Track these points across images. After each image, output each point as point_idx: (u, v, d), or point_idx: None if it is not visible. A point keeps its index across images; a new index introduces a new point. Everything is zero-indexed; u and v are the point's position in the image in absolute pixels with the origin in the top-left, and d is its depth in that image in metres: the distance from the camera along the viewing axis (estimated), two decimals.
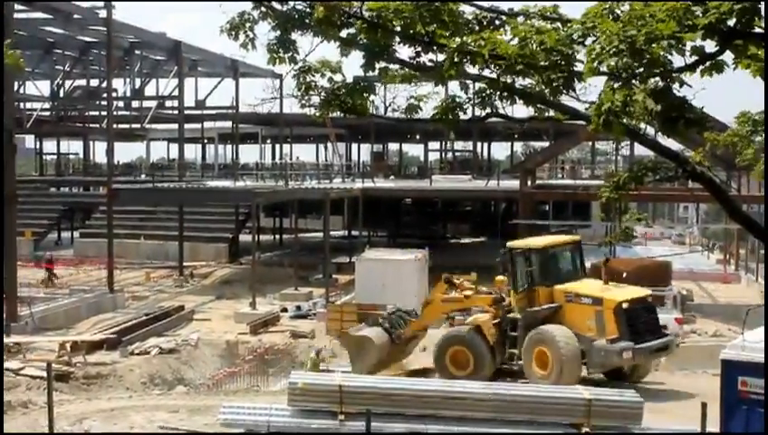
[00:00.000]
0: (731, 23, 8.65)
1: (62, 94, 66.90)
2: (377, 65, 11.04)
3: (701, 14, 8.72)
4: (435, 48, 10.51)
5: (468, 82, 11.02)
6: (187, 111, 64.50)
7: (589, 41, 9.36)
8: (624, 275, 27.66)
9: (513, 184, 48.38)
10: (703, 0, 8.78)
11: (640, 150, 50.32)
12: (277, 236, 63.10)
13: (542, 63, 9.57)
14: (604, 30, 8.99)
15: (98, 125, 66.48)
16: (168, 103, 66.12)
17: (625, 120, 9.19)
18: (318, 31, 10.54)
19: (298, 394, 15.56)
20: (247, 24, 10.68)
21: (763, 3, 8.58)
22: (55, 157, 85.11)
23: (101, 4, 45.30)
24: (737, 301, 35.96)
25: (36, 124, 66.32)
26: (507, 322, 24.41)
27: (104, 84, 57.42)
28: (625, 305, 22.82)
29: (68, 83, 67.68)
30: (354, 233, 55.45)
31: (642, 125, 9.98)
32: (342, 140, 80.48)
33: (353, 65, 11.32)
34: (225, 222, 56.62)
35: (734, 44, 8.91)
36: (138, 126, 67.58)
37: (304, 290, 41.01)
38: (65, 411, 19.35)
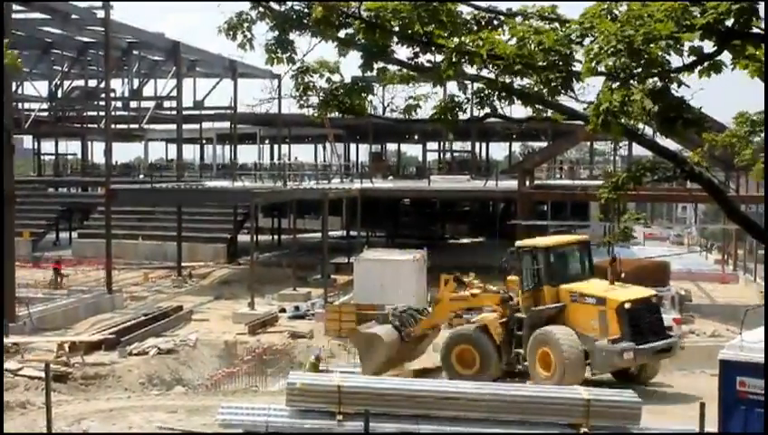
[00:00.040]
0: (729, 23, 8.65)
1: (60, 95, 66.86)
2: (375, 65, 11.04)
3: (699, 15, 8.72)
4: (433, 48, 10.50)
5: (467, 82, 11.02)
6: (185, 112, 64.43)
7: (587, 41, 9.35)
8: (622, 275, 27.64)
9: (512, 184, 48.43)
10: (700, 0, 8.78)
11: (639, 151, 50.35)
12: (275, 237, 63.11)
13: (540, 63, 9.57)
14: (602, 30, 8.98)
15: (96, 125, 66.41)
16: (167, 104, 66.11)
17: (623, 121, 9.19)
18: (316, 31, 10.54)
19: (296, 394, 15.55)
20: (245, 25, 10.67)
21: (762, 3, 8.58)
22: (53, 157, 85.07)
23: (99, 4, 45.28)
24: (735, 301, 35.99)
25: (34, 124, 66.23)
26: (514, 321, 24.38)
27: (102, 85, 57.31)
28: (627, 305, 22.67)
29: (66, 84, 67.64)
30: (353, 233, 55.45)
31: (640, 125, 9.98)
32: (341, 141, 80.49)
33: (351, 65, 11.33)
34: (223, 222, 56.62)
35: (732, 45, 8.91)
36: (136, 126, 67.52)
37: (303, 290, 41.01)
38: (63, 412, 19.33)
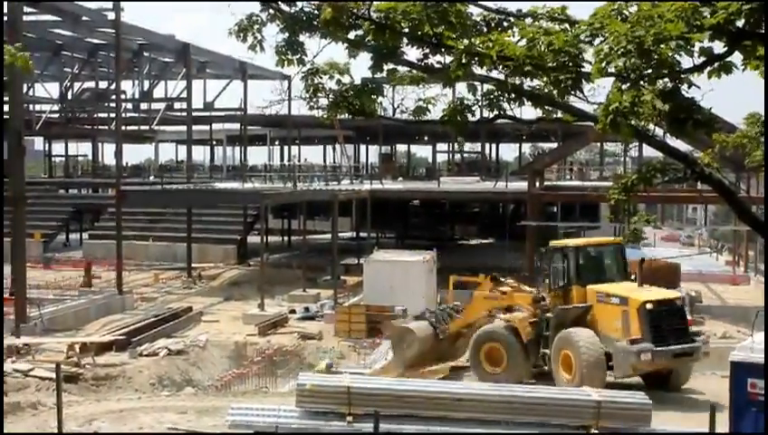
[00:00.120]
0: (739, 23, 8.63)
1: (70, 96, 67.04)
2: (385, 67, 11.04)
3: (709, 15, 8.70)
4: (443, 49, 10.50)
5: (476, 83, 11.01)
6: (195, 113, 64.54)
7: (597, 42, 9.34)
8: (632, 276, 27.52)
9: (522, 185, 48.35)
10: (710, 0, 8.76)
11: (649, 152, 50.21)
12: (285, 238, 63.18)
13: (550, 64, 9.55)
14: (612, 31, 8.96)
15: (106, 127, 66.61)
16: (177, 105, 66.21)
17: (633, 121, 9.17)
18: (326, 33, 10.54)
19: (306, 396, 15.55)
20: (255, 27, 10.69)
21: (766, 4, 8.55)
22: (64, 159, 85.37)
23: (110, 5, 45.40)
24: (746, 303, 35.86)
25: (45, 126, 66.58)
26: (544, 321, 24.24)
27: (113, 86, 57.52)
28: (649, 306, 22.31)
29: (77, 85, 67.80)
30: (362, 234, 55.47)
31: (650, 126, 9.96)
32: (350, 142, 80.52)
33: (361, 67, 11.34)
34: (233, 224, 56.72)
35: (742, 45, 8.89)
36: (146, 128, 67.71)
37: (312, 292, 41.02)
38: (74, 413, 19.40)
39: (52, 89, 67.31)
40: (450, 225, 70.87)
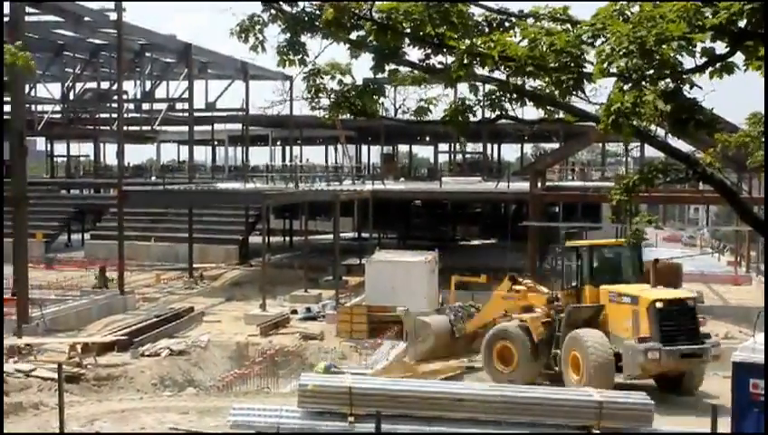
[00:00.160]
0: (741, 23, 8.62)
1: (72, 97, 67.16)
2: (387, 67, 11.03)
3: (711, 15, 8.69)
4: (444, 50, 10.48)
5: (478, 84, 11.00)
6: (197, 114, 64.64)
7: (599, 42, 9.33)
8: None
9: (524, 186, 48.34)
10: (712, 0, 8.75)
11: (651, 152, 50.22)
12: (287, 238, 63.20)
13: (551, 65, 9.55)
14: (614, 31, 8.96)
15: (108, 127, 66.73)
16: (179, 105, 66.36)
17: (635, 122, 9.16)
18: (327, 33, 10.54)
19: (308, 396, 15.56)
20: (257, 27, 10.68)
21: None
22: (66, 159, 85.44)
23: (112, 5, 45.43)
24: (748, 303, 35.86)
25: (47, 126, 66.69)
26: (557, 322, 24.16)
27: (115, 86, 57.64)
28: (659, 305, 22.14)
29: (78, 86, 67.94)
30: (364, 235, 55.49)
31: (652, 127, 9.95)
32: (352, 142, 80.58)
33: (363, 67, 11.34)
34: (235, 224, 56.74)
35: (744, 45, 8.88)
36: (148, 128, 67.82)
37: (314, 292, 41.03)
38: (76, 413, 19.40)
39: (54, 89, 67.52)
40: (452, 225, 70.85)
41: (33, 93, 62.86)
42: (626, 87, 8.98)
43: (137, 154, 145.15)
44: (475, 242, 67.84)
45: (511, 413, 15.48)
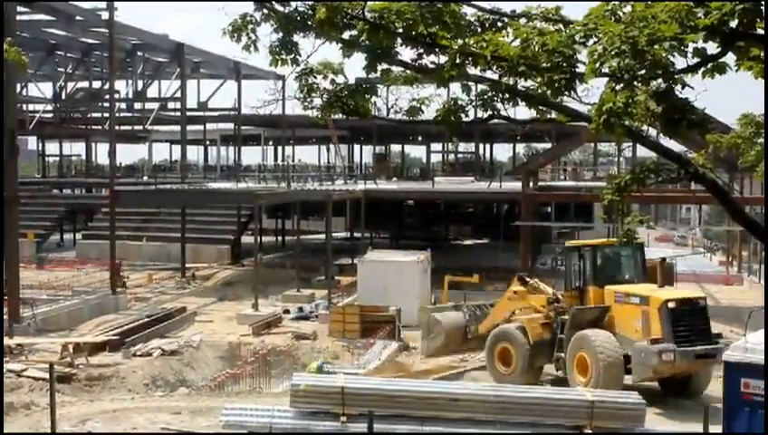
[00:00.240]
0: (733, 24, 8.64)
1: (64, 96, 66.95)
2: (379, 67, 11.02)
3: (703, 16, 8.71)
4: (437, 50, 10.49)
5: (470, 83, 11.00)
6: (189, 113, 64.55)
7: (591, 42, 9.34)
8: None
9: (516, 186, 48.40)
10: (704, 1, 8.77)
11: (643, 152, 50.39)
12: (279, 238, 63.17)
13: (543, 65, 9.55)
14: (606, 31, 8.97)
15: (100, 127, 66.53)
16: (171, 105, 66.18)
17: (626, 122, 9.17)
18: (320, 32, 10.53)
19: (300, 396, 15.56)
20: (249, 27, 10.66)
21: (764, 4, 8.57)
22: (58, 158, 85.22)
23: (104, 5, 45.33)
24: (740, 303, 35.96)
25: (39, 126, 66.44)
26: (558, 323, 23.79)
27: (107, 86, 57.46)
28: (671, 305, 21.57)
29: (70, 85, 67.74)
30: (356, 235, 55.49)
31: (644, 126, 9.96)
32: (344, 142, 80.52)
33: (355, 67, 11.33)
34: (227, 224, 56.67)
35: (736, 46, 8.90)
36: (140, 128, 67.74)
37: (307, 292, 41.02)
38: (68, 413, 19.37)
39: (46, 88, 67.31)
40: (444, 225, 70.94)
41: (24, 92, 62.68)
42: (618, 87, 8.99)
43: (129, 154, 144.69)
44: (468, 242, 67.95)
45: (505, 413, 15.50)
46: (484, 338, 25.82)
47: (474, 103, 11.16)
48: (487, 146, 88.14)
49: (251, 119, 71.16)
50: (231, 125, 73.98)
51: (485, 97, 10.81)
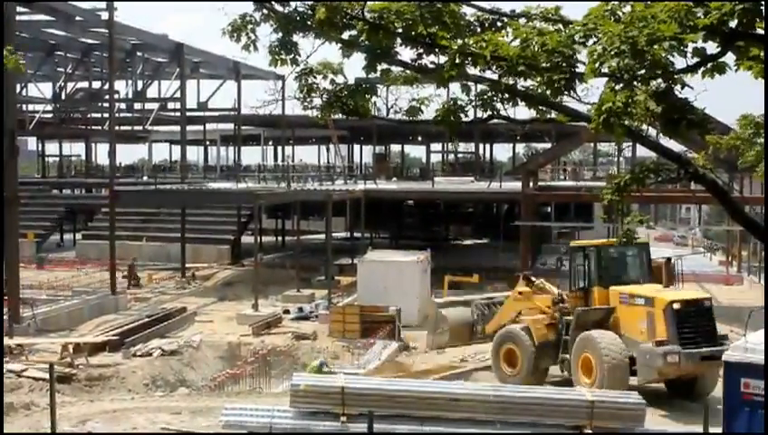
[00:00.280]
0: (732, 24, 8.64)
1: (64, 96, 66.98)
2: (379, 67, 11.02)
3: (702, 16, 8.71)
4: (436, 50, 10.49)
5: (470, 83, 11.00)
6: (189, 113, 64.56)
7: (590, 42, 9.34)
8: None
9: (516, 186, 48.39)
10: (704, 0, 8.77)
11: (642, 152, 50.38)
12: (279, 238, 63.16)
13: (543, 65, 9.55)
14: (606, 31, 8.97)
15: (100, 127, 66.55)
16: (170, 105, 66.21)
17: (626, 122, 9.17)
18: (319, 33, 10.53)
19: (300, 396, 15.54)
20: (249, 27, 10.66)
21: (763, 4, 8.57)
22: (57, 159, 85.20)
23: (103, 5, 45.34)
24: (740, 303, 35.90)
25: (39, 126, 66.43)
26: (563, 324, 23.60)
27: (106, 86, 57.46)
28: (677, 306, 21.32)
29: (70, 85, 67.77)
30: (356, 235, 55.48)
31: (644, 126, 9.96)
32: (344, 142, 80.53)
33: (355, 67, 11.33)
34: (227, 224, 56.68)
35: (735, 46, 8.90)
36: (140, 128, 67.73)
37: (306, 292, 41.03)
38: (68, 413, 19.37)
39: (46, 89, 67.38)
40: (444, 225, 70.92)
41: (24, 93, 62.71)
42: (617, 87, 8.99)
43: (128, 154, 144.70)
44: (468, 242, 67.95)
45: (505, 413, 15.49)
46: (491, 338, 25.74)
47: (473, 103, 11.15)
48: (487, 146, 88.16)
49: (251, 119, 71.19)
50: (231, 125, 74.01)
51: (485, 97, 10.81)
